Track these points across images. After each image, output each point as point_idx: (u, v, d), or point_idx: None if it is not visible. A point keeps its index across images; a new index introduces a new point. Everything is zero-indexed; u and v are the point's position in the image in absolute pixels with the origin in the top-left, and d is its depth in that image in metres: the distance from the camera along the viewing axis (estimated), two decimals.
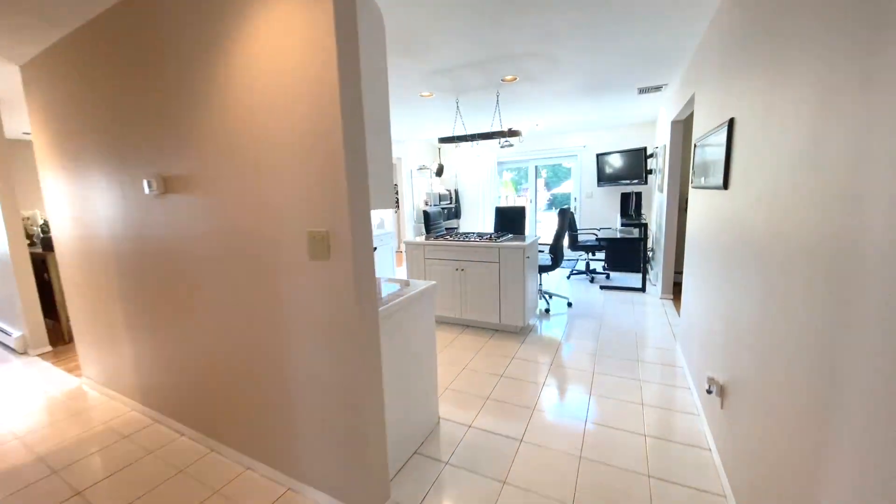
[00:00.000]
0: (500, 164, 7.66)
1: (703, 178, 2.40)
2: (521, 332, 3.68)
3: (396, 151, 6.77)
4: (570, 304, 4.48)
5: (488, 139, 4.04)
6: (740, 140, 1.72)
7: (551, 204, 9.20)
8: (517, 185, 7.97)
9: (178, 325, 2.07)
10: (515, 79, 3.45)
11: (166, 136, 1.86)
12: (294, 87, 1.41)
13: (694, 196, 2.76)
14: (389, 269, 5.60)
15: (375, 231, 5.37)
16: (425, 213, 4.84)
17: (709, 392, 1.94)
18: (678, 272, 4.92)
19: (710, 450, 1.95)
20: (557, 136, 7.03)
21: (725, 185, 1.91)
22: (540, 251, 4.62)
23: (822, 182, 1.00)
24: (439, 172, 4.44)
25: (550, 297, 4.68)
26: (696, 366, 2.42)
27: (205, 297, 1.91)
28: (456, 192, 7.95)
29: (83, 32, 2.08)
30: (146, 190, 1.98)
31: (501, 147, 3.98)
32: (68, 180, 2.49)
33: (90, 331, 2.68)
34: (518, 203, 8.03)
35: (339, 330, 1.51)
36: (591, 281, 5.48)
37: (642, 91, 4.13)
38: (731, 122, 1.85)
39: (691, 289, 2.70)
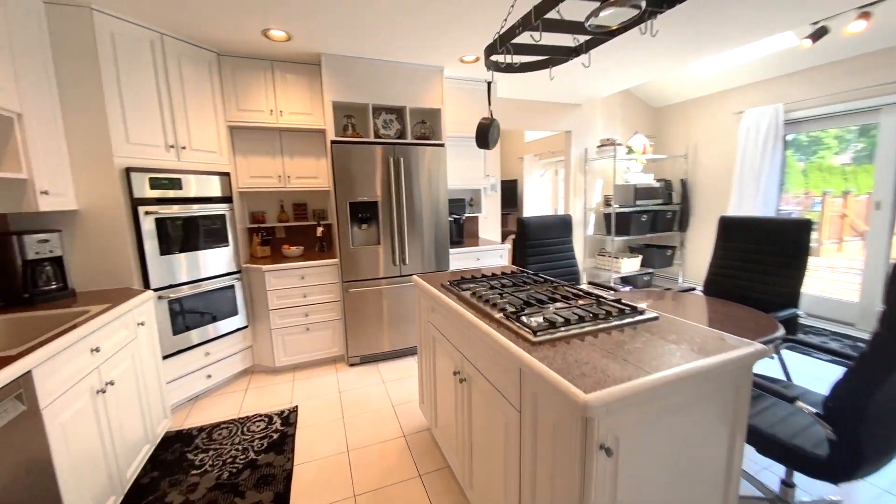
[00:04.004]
0: (790, 123, 3.65)
1: None
2: None
3: (561, 119, 4.37)
4: None
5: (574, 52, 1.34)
6: None
7: None
8: None
9: None
10: None
11: None
12: None
13: None
14: None
15: (487, 250, 3.49)
16: (520, 224, 2.58)
17: None
18: None
19: None
20: None
21: None
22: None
23: None
24: (484, 138, 2.04)
25: None
26: None
27: None
28: (684, 183, 4.53)
29: None
30: None
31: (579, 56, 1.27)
32: None
33: None
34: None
35: None
36: None
37: None
38: None
39: None
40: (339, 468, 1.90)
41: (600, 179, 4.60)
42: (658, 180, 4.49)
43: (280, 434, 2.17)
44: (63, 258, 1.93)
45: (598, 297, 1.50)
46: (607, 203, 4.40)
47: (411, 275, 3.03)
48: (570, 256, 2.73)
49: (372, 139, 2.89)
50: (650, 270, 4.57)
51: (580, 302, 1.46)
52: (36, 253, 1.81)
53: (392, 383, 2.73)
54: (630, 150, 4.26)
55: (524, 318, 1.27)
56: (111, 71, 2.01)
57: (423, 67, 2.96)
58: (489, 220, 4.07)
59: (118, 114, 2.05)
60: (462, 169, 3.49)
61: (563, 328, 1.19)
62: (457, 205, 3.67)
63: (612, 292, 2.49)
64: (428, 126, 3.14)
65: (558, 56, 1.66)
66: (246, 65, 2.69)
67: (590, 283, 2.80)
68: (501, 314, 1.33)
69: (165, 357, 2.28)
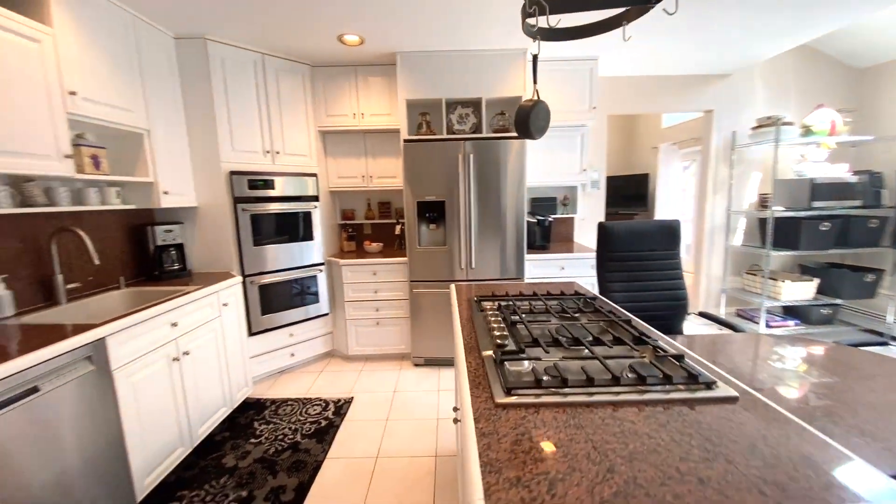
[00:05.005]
0: None
1: None
2: None
3: (699, 95, 3.39)
4: None
5: None
6: None
7: None
8: None
9: None
10: None
11: None
12: None
13: None
14: None
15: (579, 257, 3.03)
16: (601, 230, 2.09)
17: None
18: None
19: None
20: None
21: None
22: None
23: None
24: (525, 125, 1.56)
25: None
26: None
27: None
28: None
29: None
30: None
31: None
32: None
33: None
34: None
35: None
36: None
37: None
38: None
39: None
40: (362, 473, 1.87)
41: (756, 172, 3.44)
42: (856, 173, 3.09)
43: (328, 423, 2.28)
44: (184, 245, 2.41)
45: (656, 347, 1.05)
46: (764, 204, 3.26)
47: (478, 280, 2.81)
48: (675, 276, 2.08)
49: (444, 136, 2.76)
50: (835, 302, 3.22)
51: (634, 351, 1.04)
52: (163, 240, 2.29)
53: (446, 393, 2.59)
54: (808, 131, 3.04)
55: (512, 364, 0.96)
56: (221, 89, 2.39)
57: (503, 53, 2.67)
58: (588, 223, 3.50)
59: (226, 125, 2.43)
60: (552, 163, 3.07)
61: (552, 389, 0.84)
62: (544, 204, 3.26)
63: (732, 331, 1.78)
64: (507, 117, 2.84)
65: (631, 4, 1.20)
66: (334, 73, 2.89)
67: (701, 313, 2.09)
68: (491, 351, 1.04)
69: (254, 334, 2.65)
